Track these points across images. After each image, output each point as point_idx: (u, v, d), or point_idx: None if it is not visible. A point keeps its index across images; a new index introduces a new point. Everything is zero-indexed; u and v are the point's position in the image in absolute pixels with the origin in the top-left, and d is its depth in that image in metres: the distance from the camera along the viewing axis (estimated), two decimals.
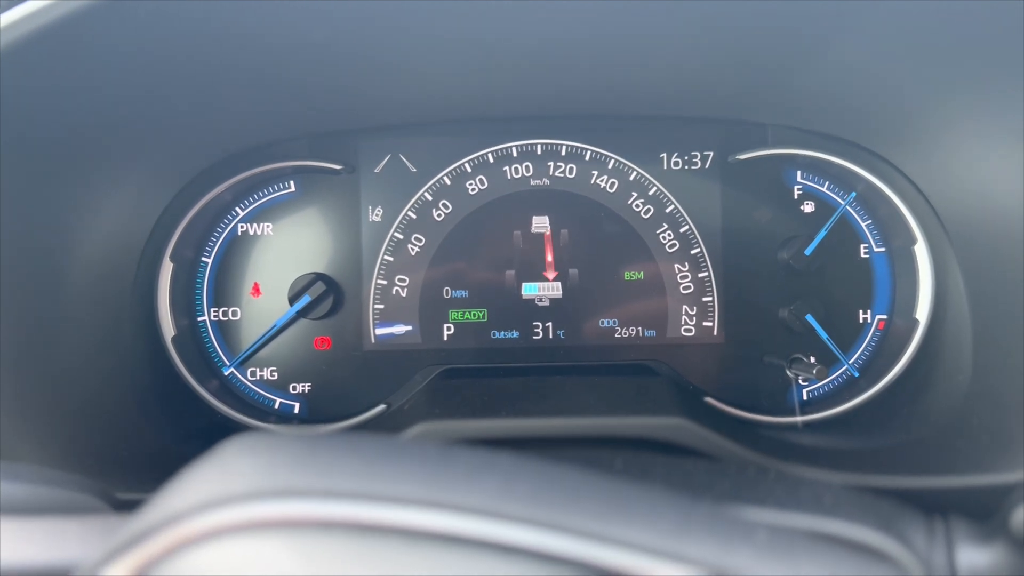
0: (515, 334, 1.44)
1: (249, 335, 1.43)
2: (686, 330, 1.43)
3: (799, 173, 1.42)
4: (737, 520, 0.51)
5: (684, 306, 1.43)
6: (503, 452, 0.58)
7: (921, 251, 1.34)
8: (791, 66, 1.13)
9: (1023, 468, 0.96)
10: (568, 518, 0.44)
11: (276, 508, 0.43)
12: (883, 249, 1.41)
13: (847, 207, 1.40)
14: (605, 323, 1.44)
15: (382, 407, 1.39)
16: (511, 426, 1.13)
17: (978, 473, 1.02)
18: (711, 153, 1.42)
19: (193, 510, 0.43)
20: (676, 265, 1.43)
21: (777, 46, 1.06)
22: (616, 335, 1.43)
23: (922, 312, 1.34)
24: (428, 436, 1.12)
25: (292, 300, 1.39)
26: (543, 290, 1.43)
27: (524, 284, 1.43)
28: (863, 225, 1.41)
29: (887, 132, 1.26)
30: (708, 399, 1.39)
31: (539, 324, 1.44)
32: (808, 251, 1.37)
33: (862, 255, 1.41)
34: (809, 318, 1.37)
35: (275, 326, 1.41)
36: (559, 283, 1.43)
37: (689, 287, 1.43)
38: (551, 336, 1.44)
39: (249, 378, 1.43)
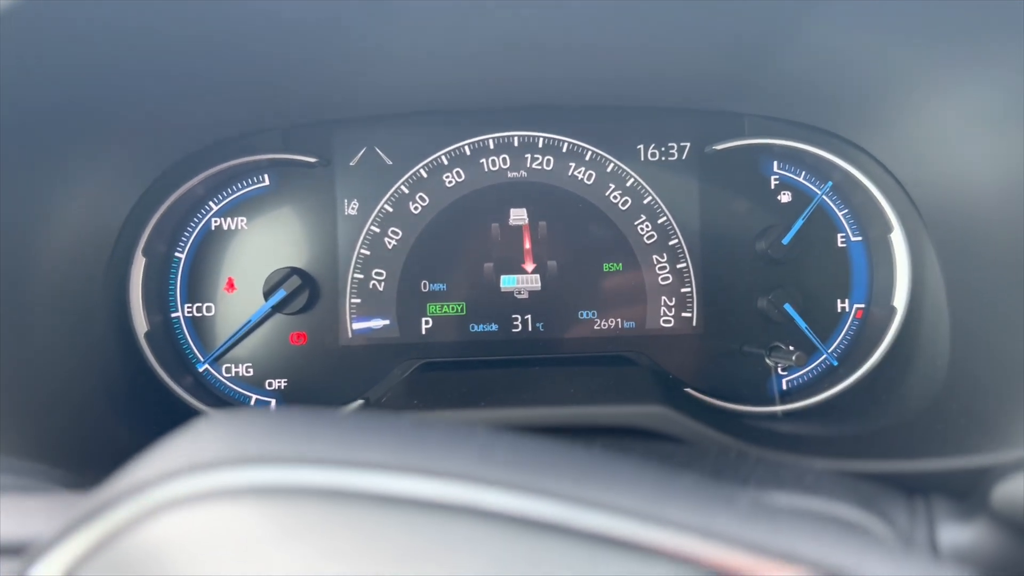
0: (494, 327, 1.43)
1: (224, 331, 1.41)
2: (665, 321, 1.43)
3: (776, 163, 1.42)
4: (719, 490, 0.50)
5: (663, 297, 1.43)
6: (479, 424, 0.57)
7: (897, 239, 1.34)
8: (765, 55, 1.12)
9: (1001, 449, 0.96)
10: (547, 483, 0.43)
11: (243, 476, 0.42)
12: (860, 238, 1.41)
13: (824, 197, 1.40)
14: (584, 315, 1.43)
15: (360, 402, 1.37)
16: (491, 417, 1.12)
17: (958, 456, 1.02)
18: (688, 144, 1.42)
19: (156, 480, 0.42)
20: (654, 256, 1.42)
21: (751, 35, 1.06)
22: (595, 327, 1.43)
23: (899, 300, 1.34)
24: None
25: (267, 295, 1.37)
26: (522, 283, 1.42)
27: (503, 277, 1.42)
28: (840, 214, 1.41)
29: (862, 120, 1.27)
30: (688, 390, 1.39)
31: (518, 317, 1.42)
32: (786, 241, 1.37)
33: (839, 244, 1.41)
34: (788, 307, 1.37)
35: (250, 321, 1.39)
36: (538, 275, 1.42)
37: (668, 278, 1.42)
38: (530, 329, 1.43)
39: (224, 374, 1.41)
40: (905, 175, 1.29)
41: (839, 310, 1.42)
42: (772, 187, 1.42)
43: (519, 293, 1.42)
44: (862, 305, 1.41)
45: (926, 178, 1.24)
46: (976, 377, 1.14)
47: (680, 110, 1.42)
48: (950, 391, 1.17)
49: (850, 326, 1.42)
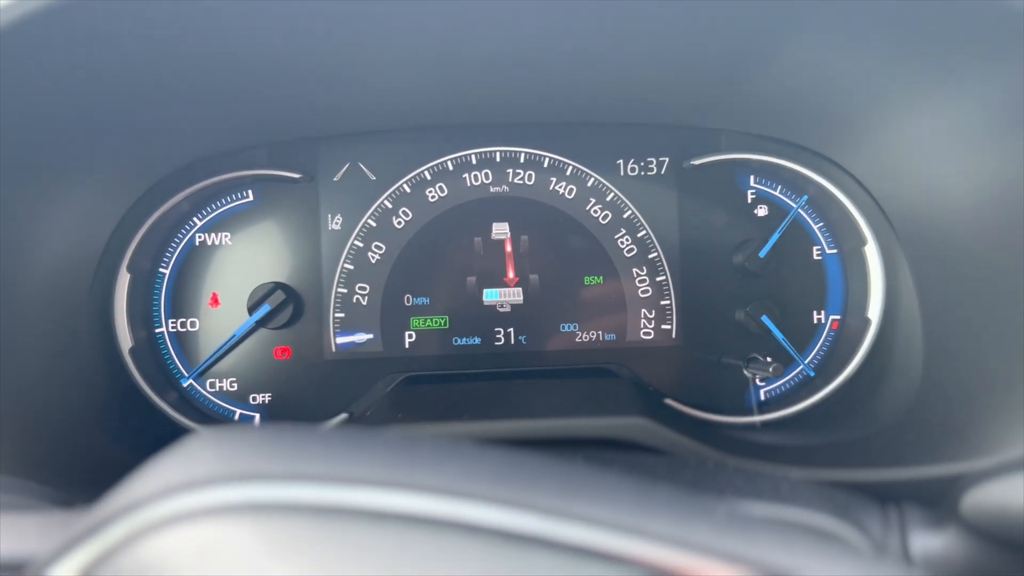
0: (477, 340, 1.44)
1: (208, 346, 1.41)
2: (645, 333, 1.45)
3: (752, 177, 1.45)
4: (695, 500, 0.52)
5: (643, 310, 1.45)
6: (464, 438, 0.59)
7: (871, 252, 1.37)
8: (740, 72, 1.15)
9: (972, 458, 0.99)
10: (528, 497, 0.45)
11: (236, 493, 0.43)
12: (835, 251, 1.44)
13: (799, 211, 1.43)
14: (566, 328, 1.45)
15: (344, 416, 1.38)
16: (474, 429, 1.14)
17: (930, 464, 1.04)
18: (667, 159, 1.45)
19: (152, 497, 0.43)
20: (634, 269, 1.45)
21: (726, 53, 1.09)
22: (577, 339, 1.45)
23: (874, 312, 1.37)
24: None
25: (251, 310, 1.38)
26: (504, 296, 1.44)
27: (485, 290, 1.44)
28: (815, 228, 1.44)
29: (836, 136, 1.30)
30: (668, 401, 1.41)
31: (501, 330, 1.44)
32: (762, 254, 1.39)
33: (815, 257, 1.44)
34: (765, 319, 1.40)
35: (234, 336, 1.40)
36: (520, 289, 1.44)
37: (647, 291, 1.45)
38: (513, 342, 1.44)
39: (208, 389, 1.41)
40: (879, 189, 1.32)
41: (815, 321, 1.44)
42: (749, 201, 1.44)
43: (502, 307, 1.44)
44: (838, 317, 1.44)
45: (899, 193, 1.27)
46: (949, 387, 1.17)
47: (658, 126, 1.45)
48: (923, 401, 1.20)
49: (826, 337, 1.45)
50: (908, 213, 1.27)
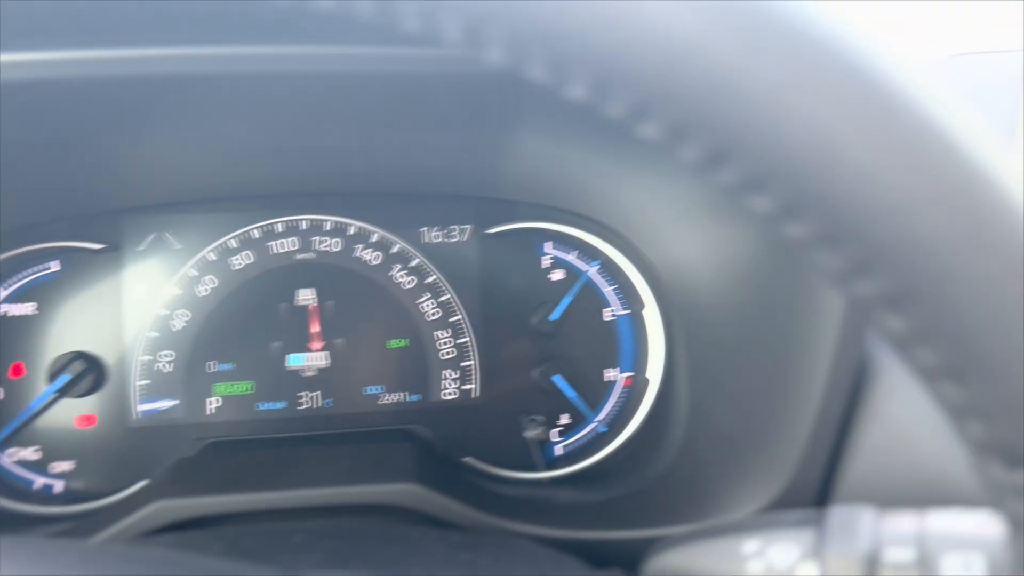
0: (282, 404, 1.48)
1: (10, 416, 1.42)
2: (449, 393, 1.51)
3: (550, 244, 1.52)
4: None
5: (447, 370, 1.51)
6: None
7: (649, 315, 1.46)
8: (502, 158, 1.23)
9: (690, 521, 1.07)
10: None
11: None
12: (627, 311, 1.53)
13: (591, 275, 1.51)
14: (371, 390, 1.50)
15: (144, 483, 1.40)
16: (252, 500, 1.18)
17: (669, 525, 1.12)
18: (468, 227, 1.52)
19: None
20: (438, 332, 1.51)
21: (473, 143, 1.17)
22: (381, 401, 1.50)
23: (652, 372, 1.46)
24: (164, 514, 1.16)
25: (51, 379, 1.40)
26: (310, 360, 1.48)
27: (290, 355, 1.48)
28: (608, 290, 1.53)
29: (607, 207, 1.38)
30: (468, 459, 1.47)
31: (305, 394, 1.48)
32: (553, 317, 1.47)
33: (606, 318, 1.52)
34: (556, 379, 1.47)
35: (31, 407, 1.41)
36: (326, 353, 1.49)
37: (451, 352, 1.51)
38: (318, 405, 1.49)
39: (8, 459, 1.42)
40: (653, 257, 1.41)
41: (607, 379, 1.52)
42: (546, 266, 1.52)
43: (307, 371, 1.48)
44: (630, 375, 1.52)
45: (667, 261, 1.37)
46: (701, 449, 1.25)
47: (459, 197, 1.51)
48: (680, 461, 1.28)
49: (620, 395, 1.53)
50: (676, 281, 1.36)
